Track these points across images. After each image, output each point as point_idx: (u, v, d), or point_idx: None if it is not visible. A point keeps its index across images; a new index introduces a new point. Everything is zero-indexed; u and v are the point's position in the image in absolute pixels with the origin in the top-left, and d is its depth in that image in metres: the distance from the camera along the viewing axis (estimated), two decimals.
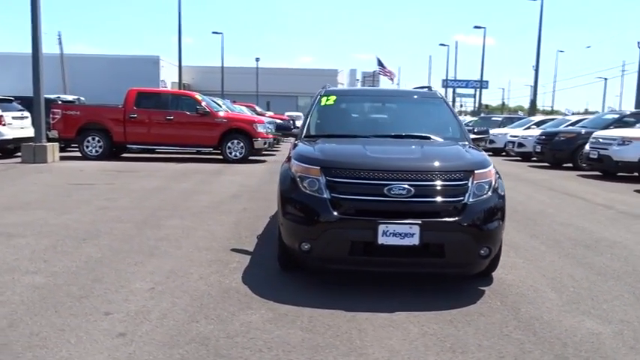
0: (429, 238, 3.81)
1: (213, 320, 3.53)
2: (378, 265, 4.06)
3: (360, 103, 5.66)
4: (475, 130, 5.20)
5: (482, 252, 3.97)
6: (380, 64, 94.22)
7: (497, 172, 4.30)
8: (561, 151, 15.13)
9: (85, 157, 14.08)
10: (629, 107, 43.70)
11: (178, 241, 5.60)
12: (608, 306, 3.95)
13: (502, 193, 4.18)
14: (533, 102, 36.19)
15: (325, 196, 3.95)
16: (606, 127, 14.57)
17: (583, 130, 15.48)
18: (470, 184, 3.97)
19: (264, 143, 14.43)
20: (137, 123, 13.86)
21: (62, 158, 13.81)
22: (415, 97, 5.78)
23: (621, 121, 15.22)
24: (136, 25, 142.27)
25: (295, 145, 4.95)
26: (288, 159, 4.59)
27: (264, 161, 14.83)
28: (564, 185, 11.35)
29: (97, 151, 14.06)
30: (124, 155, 15.25)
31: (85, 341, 3.18)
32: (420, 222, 3.79)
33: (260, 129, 14.30)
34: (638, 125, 13.43)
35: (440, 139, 4.95)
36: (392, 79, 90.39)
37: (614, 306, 3.95)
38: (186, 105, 14.09)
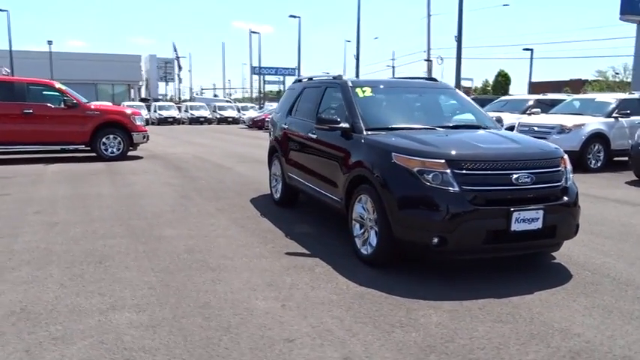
0: (549, 220, 4.13)
1: (405, 328, 3.35)
2: (505, 251, 4.26)
3: (396, 94, 5.65)
4: (494, 119, 5.64)
5: (575, 229, 4.44)
6: (175, 49, 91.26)
7: None
8: None
9: None
10: None
11: (213, 251, 4.99)
12: None
13: None
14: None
15: (456, 188, 3.98)
16: None
17: None
18: (563, 169, 4.39)
19: (143, 137, 13.09)
20: None
21: None
22: (438, 88, 5.99)
23: None
24: None
25: (360, 138, 4.79)
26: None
27: (140, 157, 13.43)
28: None
29: None
30: None
31: None
32: (543, 207, 4.09)
33: (138, 121, 12.93)
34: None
35: (487, 127, 5.28)
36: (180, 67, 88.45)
37: None
38: (47, 96, 11.94)
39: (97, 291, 3.94)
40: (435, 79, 6.28)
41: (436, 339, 3.19)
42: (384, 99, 5.44)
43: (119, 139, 12.55)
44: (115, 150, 12.55)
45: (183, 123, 40.74)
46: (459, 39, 23.19)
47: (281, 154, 6.78)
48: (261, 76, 57.31)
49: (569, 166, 4.49)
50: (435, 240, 3.98)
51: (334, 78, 5.91)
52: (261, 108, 47.75)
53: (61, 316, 3.49)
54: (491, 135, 4.91)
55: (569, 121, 11.54)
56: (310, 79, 6.88)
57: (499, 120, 5.77)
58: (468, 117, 5.55)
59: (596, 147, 11.35)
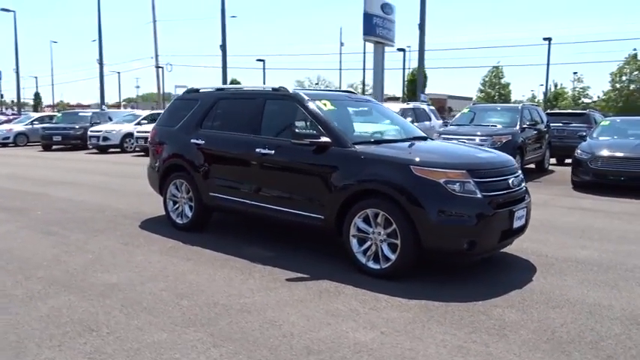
0: (527, 217, 4.90)
1: (508, 328, 3.63)
2: (503, 247, 4.84)
3: (349, 107, 5.62)
4: None
5: None
6: None
7: None
8: None
9: None
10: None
11: (206, 292, 4.32)
12: (569, 243, 6.05)
13: None
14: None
15: (479, 195, 4.40)
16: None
17: None
18: (521, 174, 5.21)
19: None
20: None
21: None
22: (369, 101, 6.18)
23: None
24: None
25: (357, 153, 4.75)
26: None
27: None
28: None
29: None
30: None
31: None
32: (525, 205, 4.84)
33: None
34: None
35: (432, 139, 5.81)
36: None
37: (565, 240, 6.08)
38: None
39: None
40: (352, 92, 6.52)
41: (543, 333, 3.56)
42: (345, 112, 5.47)
43: None
44: None
45: None
46: (223, 47, 23.46)
47: (195, 172, 6.07)
48: None
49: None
50: (466, 245, 4.33)
51: (274, 90, 5.63)
52: None
53: None
54: (464, 146, 5.50)
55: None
56: (221, 89, 6.34)
57: None
58: (398, 128, 5.97)
59: None
